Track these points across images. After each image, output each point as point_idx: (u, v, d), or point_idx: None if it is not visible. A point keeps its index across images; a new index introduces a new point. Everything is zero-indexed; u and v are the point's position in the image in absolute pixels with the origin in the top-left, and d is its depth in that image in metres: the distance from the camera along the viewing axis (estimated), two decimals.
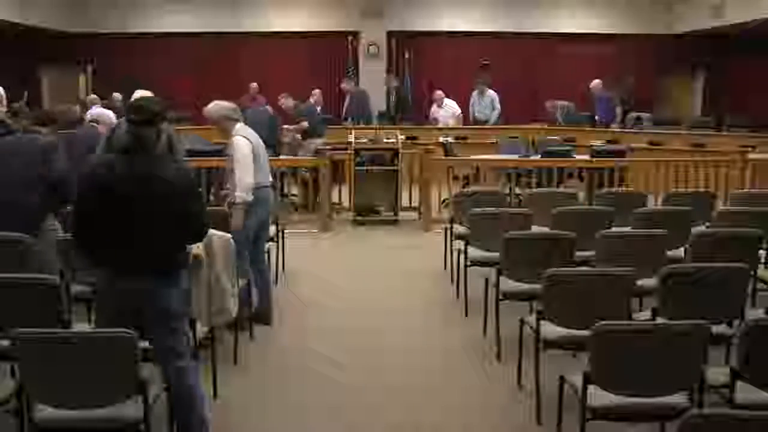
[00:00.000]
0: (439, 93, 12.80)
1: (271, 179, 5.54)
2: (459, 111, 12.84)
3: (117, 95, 12.35)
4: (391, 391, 4.45)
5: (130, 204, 3.22)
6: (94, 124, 6.24)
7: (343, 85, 13.12)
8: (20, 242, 4.38)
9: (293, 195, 9.82)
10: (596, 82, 12.65)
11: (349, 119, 12.86)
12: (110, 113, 7.34)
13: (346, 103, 13.22)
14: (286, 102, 10.16)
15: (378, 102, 13.78)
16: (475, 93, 12.97)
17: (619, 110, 13.15)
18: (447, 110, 12.72)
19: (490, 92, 12.91)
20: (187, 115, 12.22)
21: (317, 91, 12.42)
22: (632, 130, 12.53)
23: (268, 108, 10.20)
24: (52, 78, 15.19)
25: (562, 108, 12.72)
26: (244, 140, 5.14)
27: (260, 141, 5.36)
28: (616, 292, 3.97)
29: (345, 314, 5.85)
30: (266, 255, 5.68)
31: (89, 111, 10.43)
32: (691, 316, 3.27)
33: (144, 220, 3.23)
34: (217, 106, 5.25)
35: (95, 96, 11.09)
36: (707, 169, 9.06)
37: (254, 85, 13.10)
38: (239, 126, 5.23)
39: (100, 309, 3.36)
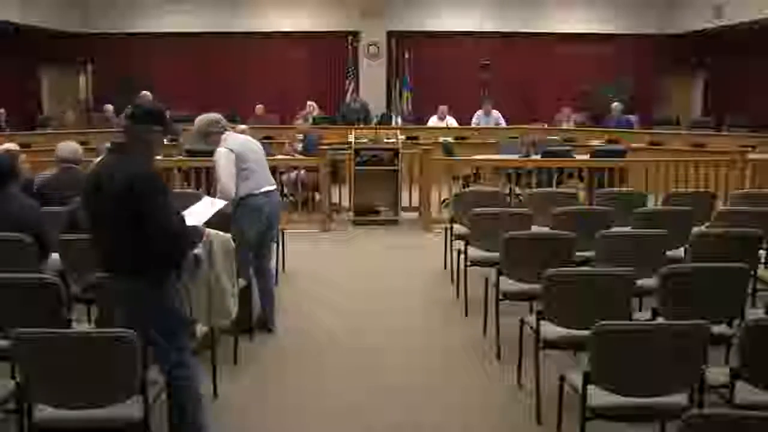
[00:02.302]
0: (443, 108, 12.88)
1: (269, 187, 5.27)
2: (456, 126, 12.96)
3: (109, 107, 12.45)
4: (391, 391, 4.45)
5: (98, 203, 3.27)
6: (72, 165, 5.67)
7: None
8: (20, 242, 4.38)
9: (292, 195, 9.82)
10: (616, 104, 12.62)
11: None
12: None
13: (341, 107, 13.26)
14: (303, 123, 10.47)
15: (378, 102, 13.74)
16: (480, 112, 12.95)
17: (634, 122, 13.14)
18: (444, 124, 12.84)
19: (495, 112, 12.93)
20: (187, 115, 12.20)
21: (311, 103, 12.51)
22: (632, 130, 12.52)
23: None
24: (51, 78, 15.19)
25: (576, 120, 12.78)
26: (223, 151, 5.02)
27: (255, 147, 5.24)
28: (616, 292, 3.97)
29: (344, 314, 5.84)
30: (271, 263, 5.61)
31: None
32: (691, 316, 3.27)
33: (109, 220, 3.24)
34: (199, 122, 5.13)
35: (148, 93, 11.19)
36: (707, 169, 9.05)
37: (260, 106, 13.18)
38: (225, 136, 5.10)
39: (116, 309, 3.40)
